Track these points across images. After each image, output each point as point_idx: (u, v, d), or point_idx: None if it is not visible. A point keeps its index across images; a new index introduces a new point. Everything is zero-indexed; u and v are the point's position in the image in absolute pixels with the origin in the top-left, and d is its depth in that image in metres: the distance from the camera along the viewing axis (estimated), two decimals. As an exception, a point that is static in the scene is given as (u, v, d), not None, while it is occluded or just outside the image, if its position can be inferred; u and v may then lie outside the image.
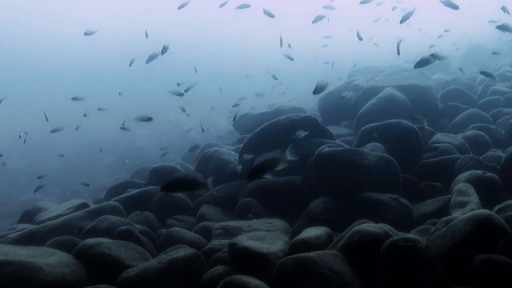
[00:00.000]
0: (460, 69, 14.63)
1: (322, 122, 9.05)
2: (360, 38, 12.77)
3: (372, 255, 3.80)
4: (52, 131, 13.20)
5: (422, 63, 7.31)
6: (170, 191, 4.03)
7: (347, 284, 3.67)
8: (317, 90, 6.85)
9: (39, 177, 12.62)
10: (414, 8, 8.62)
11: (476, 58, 20.10)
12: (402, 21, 8.61)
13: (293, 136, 7.28)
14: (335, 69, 19.30)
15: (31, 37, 50.86)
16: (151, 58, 10.91)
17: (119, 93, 14.39)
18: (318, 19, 14.11)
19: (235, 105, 15.34)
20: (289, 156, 4.00)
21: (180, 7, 13.65)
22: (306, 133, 7.28)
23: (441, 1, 8.58)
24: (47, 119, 13.06)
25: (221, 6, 14.56)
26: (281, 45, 12.41)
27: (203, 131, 12.16)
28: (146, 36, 12.36)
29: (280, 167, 3.99)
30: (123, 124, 12.98)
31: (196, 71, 13.83)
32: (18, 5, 50.29)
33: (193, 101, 17.81)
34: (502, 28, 8.52)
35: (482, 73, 9.71)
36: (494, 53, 14.24)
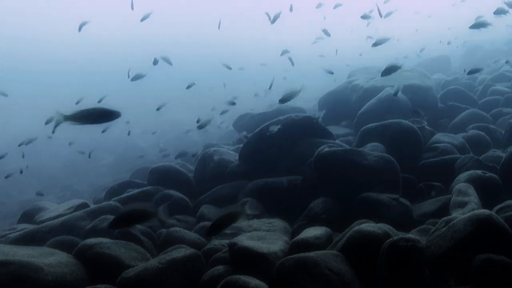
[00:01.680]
0: (465, 70, 14.57)
1: (322, 122, 9.05)
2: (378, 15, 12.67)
3: (372, 255, 3.80)
4: (20, 145, 13.07)
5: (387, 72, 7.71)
6: (119, 227, 4.04)
7: (347, 284, 3.67)
8: (283, 100, 6.88)
9: (6, 177, 12.57)
10: (389, 37, 8.71)
11: (476, 58, 20.11)
12: (375, 45, 8.73)
13: (267, 133, 7.23)
14: (338, 55, 19.00)
15: (30, 38, 50.87)
16: (137, 77, 10.86)
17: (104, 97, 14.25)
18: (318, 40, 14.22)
19: (223, 112, 14.58)
20: (248, 211, 4.06)
21: (143, 19, 13.68)
22: (279, 126, 7.22)
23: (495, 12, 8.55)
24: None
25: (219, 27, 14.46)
26: (292, 64, 12.45)
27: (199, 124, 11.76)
28: (155, 63, 12.32)
29: (239, 222, 4.05)
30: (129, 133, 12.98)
31: (231, 68, 13.61)
32: (17, 5, 50.37)
33: (193, 102, 17.81)
34: (476, 26, 8.46)
35: (470, 72, 9.69)
36: (507, 62, 14.10)
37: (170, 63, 11.57)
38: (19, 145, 13.12)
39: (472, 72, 9.46)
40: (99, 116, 4.15)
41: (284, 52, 14.44)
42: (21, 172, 12.40)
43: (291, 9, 16.13)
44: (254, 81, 23.12)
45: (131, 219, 3.95)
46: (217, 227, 3.99)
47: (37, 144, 13.79)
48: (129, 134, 14.22)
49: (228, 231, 4.08)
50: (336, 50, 17.81)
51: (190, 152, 12.69)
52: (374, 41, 8.73)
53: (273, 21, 12.41)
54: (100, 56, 45.55)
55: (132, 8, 13.73)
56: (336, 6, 15.84)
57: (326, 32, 13.35)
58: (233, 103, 10.76)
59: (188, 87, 11.36)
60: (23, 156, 13.29)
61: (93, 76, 38.91)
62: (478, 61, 18.77)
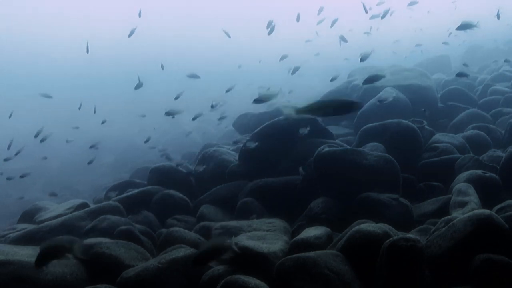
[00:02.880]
0: (465, 64, 14.58)
1: (322, 122, 9.04)
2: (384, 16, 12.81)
3: (372, 255, 3.79)
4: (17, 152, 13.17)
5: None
6: (40, 266, 4.01)
7: (347, 284, 3.67)
8: (258, 100, 6.93)
9: (21, 176, 12.60)
10: (372, 50, 8.87)
11: (476, 58, 20.10)
12: (362, 60, 8.92)
13: (298, 135, 7.31)
14: (334, 53, 18.97)
15: (28, 43, 50.85)
16: (138, 86, 11.13)
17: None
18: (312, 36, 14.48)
19: (221, 118, 14.06)
20: (233, 246, 3.92)
21: (130, 34, 14.10)
22: (309, 128, 7.28)
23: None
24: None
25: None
26: (292, 73, 12.66)
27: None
28: (162, 67, 12.69)
29: (225, 256, 3.86)
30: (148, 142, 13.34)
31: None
32: (17, 11, 50.41)
33: (192, 103, 17.83)
34: (462, 27, 8.58)
35: (458, 75, 9.76)
36: (506, 60, 14.10)
37: (198, 77, 12.36)
38: (17, 152, 13.13)
39: (460, 75, 9.52)
40: (338, 108, 3.89)
41: (284, 57, 14.68)
42: (23, 176, 12.46)
43: (297, 19, 16.26)
44: (250, 80, 23.07)
45: (49, 256, 3.93)
46: (204, 258, 3.83)
47: (36, 144, 13.79)
48: (147, 141, 14.33)
49: (213, 264, 3.94)
50: (340, 42, 17.75)
51: (176, 157, 12.84)
52: (360, 57, 8.97)
53: (269, 33, 12.62)
54: (99, 59, 45.54)
55: (140, 16, 14.09)
56: (333, 23, 16.00)
57: (343, 38, 13.42)
58: (213, 106, 11.22)
59: (176, 98, 11.64)
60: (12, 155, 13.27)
61: (91, 80, 38.91)
62: (478, 60, 18.75)
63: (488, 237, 3.65)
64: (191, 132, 19.30)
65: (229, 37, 14.80)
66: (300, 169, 6.82)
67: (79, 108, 14.40)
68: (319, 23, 17.17)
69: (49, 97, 15.45)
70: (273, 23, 12.72)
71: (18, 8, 50.91)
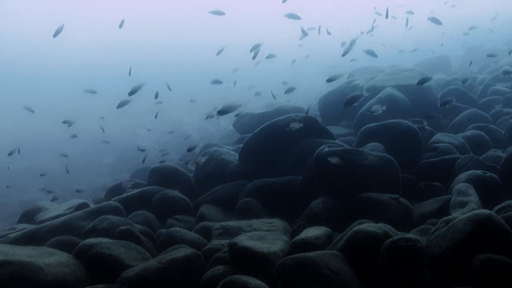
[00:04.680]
0: (471, 62, 14.63)
1: (322, 122, 9.05)
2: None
3: (372, 255, 3.80)
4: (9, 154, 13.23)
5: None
6: None
7: (347, 284, 3.67)
8: (222, 112, 6.95)
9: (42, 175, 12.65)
10: (343, 74, 8.96)
11: (476, 58, 20.10)
12: (329, 80, 9.02)
13: (287, 129, 7.25)
14: (327, 55, 19.05)
15: (26, 40, 50.76)
16: (122, 104, 11.10)
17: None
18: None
19: (211, 116, 12.98)
20: None
21: (120, 24, 14.46)
22: (301, 125, 7.19)
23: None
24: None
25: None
26: (286, 92, 12.76)
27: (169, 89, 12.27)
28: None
29: None
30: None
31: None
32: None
33: (192, 102, 17.84)
34: (420, 83, 9.11)
35: (442, 104, 9.75)
36: (490, 55, 14.21)
37: (220, 82, 13.09)
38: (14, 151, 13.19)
39: (443, 103, 9.55)
40: None
41: (270, 56, 15.01)
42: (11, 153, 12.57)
43: (302, 35, 16.33)
44: (252, 82, 23.02)
45: None
46: None
47: (37, 144, 13.79)
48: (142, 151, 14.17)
49: None
50: (343, 42, 17.74)
51: (176, 157, 12.89)
52: (328, 78, 9.25)
53: (254, 57, 12.79)
54: (95, 60, 45.52)
55: (120, 27, 14.47)
56: (326, 29, 16.13)
57: (372, 53, 13.44)
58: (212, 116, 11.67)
59: (155, 117, 11.86)
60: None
61: (90, 80, 39.00)
62: (478, 61, 18.75)
63: (488, 237, 3.65)
64: (190, 136, 19.30)
65: (217, 54, 14.88)
66: (338, 159, 6.08)
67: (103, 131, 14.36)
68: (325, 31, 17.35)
69: (93, 92, 15.44)
70: (258, 48, 12.84)
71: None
